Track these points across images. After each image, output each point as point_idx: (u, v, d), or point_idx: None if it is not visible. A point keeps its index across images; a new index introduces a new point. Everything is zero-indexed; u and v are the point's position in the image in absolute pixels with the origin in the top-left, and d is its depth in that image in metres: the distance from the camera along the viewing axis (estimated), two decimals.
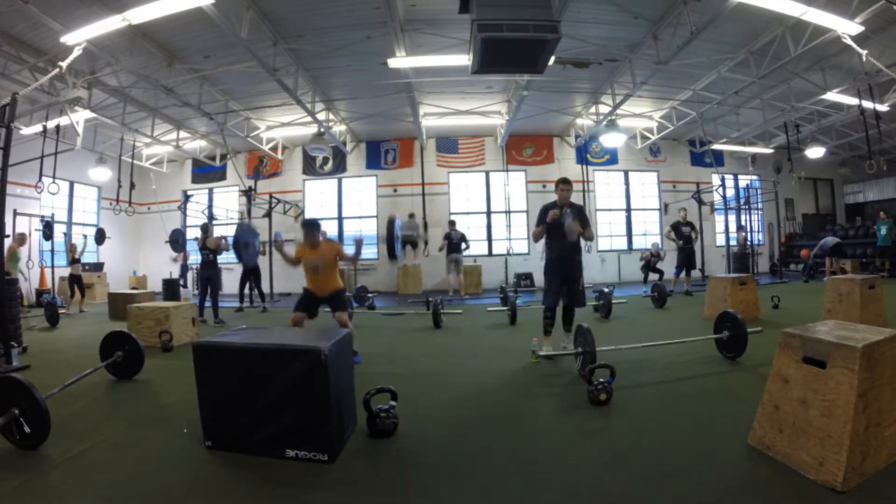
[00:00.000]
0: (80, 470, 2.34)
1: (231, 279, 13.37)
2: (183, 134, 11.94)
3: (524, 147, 13.83)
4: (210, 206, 12.68)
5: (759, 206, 14.41)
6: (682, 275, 9.52)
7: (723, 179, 13.40)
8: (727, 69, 8.81)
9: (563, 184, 4.39)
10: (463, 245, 10.65)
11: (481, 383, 3.80)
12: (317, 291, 4.53)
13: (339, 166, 14.00)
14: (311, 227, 4.49)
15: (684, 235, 9.36)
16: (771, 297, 7.35)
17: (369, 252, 13.82)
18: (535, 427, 2.83)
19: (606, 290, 7.12)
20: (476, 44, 5.24)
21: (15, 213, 9.84)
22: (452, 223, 11.24)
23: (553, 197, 4.49)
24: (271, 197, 11.16)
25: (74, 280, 9.74)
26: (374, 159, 13.95)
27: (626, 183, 14.56)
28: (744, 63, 8.53)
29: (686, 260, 9.42)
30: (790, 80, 9.47)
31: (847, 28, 6.73)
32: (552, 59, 6.21)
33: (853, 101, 9.44)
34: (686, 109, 11.30)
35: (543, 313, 4.46)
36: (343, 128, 12.58)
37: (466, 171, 14.03)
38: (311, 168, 14.02)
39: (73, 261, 9.86)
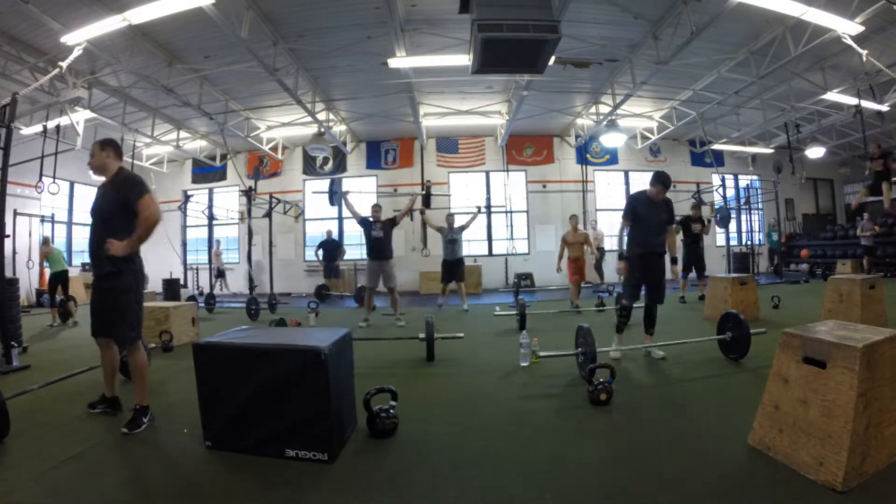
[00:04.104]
0: (80, 470, 2.34)
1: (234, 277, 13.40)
2: (183, 134, 11.95)
3: (524, 147, 13.83)
4: (210, 206, 12.69)
5: (760, 206, 14.41)
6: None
7: (723, 179, 13.40)
8: (727, 69, 8.81)
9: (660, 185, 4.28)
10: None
11: (481, 383, 3.80)
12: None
13: (340, 166, 14.00)
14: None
15: (692, 233, 8.57)
16: (771, 297, 7.35)
17: None
18: (535, 427, 2.83)
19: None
20: (476, 44, 5.24)
21: (15, 213, 9.85)
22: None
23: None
24: (271, 197, 11.15)
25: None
26: (375, 159, 13.96)
27: (627, 183, 14.56)
28: (744, 63, 8.53)
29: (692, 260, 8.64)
30: (790, 80, 9.46)
31: (847, 28, 6.73)
32: (552, 59, 6.21)
33: (853, 101, 9.44)
34: (686, 109, 11.30)
35: (620, 311, 4.41)
36: (343, 128, 12.58)
37: (466, 171, 14.03)
38: (311, 168, 14.02)
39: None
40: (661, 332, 4.54)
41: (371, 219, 6.97)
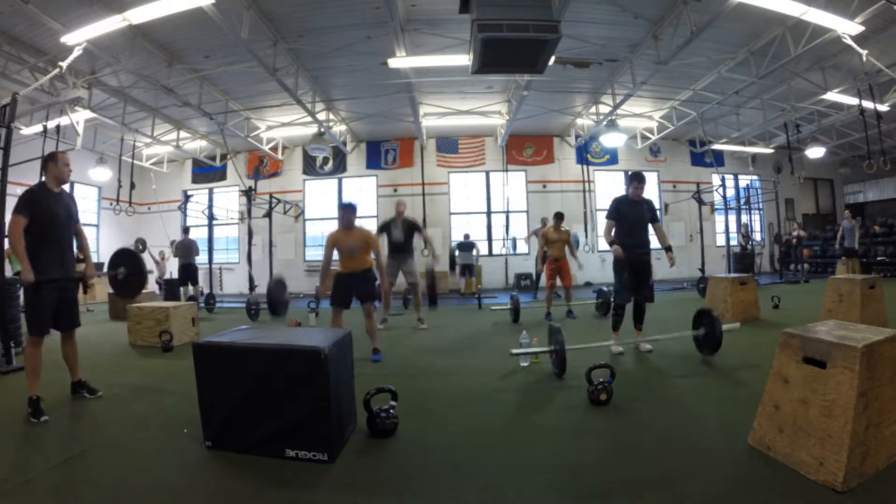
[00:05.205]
0: (80, 470, 2.34)
1: (233, 277, 13.41)
2: (183, 134, 11.95)
3: (524, 147, 13.83)
4: (210, 207, 12.68)
5: (760, 206, 14.41)
6: None
7: (723, 179, 13.38)
8: (727, 69, 8.81)
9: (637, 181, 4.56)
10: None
11: (481, 383, 3.80)
12: (346, 268, 4.62)
13: (340, 166, 14.01)
14: (350, 208, 4.62)
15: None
16: (771, 297, 7.35)
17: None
18: (535, 427, 2.83)
19: None
20: (476, 44, 5.23)
21: None
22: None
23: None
24: (271, 197, 11.15)
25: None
26: (375, 159, 13.96)
27: (627, 183, 14.55)
28: (744, 63, 8.54)
29: None
30: (790, 80, 9.47)
31: (847, 28, 6.73)
32: (552, 59, 6.20)
33: (853, 101, 9.44)
34: (686, 109, 11.30)
35: (614, 310, 4.56)
36: (343, 128, 12.59)
37: (466, 171, 14.03)
38: (311, 168, 14.03)
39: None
40: (658, 329, 4.56)
41: (392, 219, 6.69)
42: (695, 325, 4.32)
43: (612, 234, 4.58)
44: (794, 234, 12.88)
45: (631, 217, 4.52)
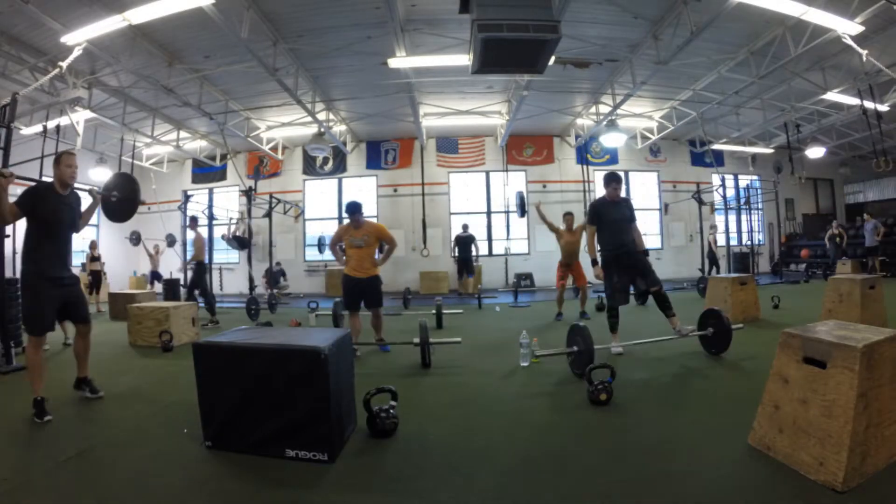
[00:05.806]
0: (80, 470, 2.34)
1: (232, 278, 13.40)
2: (183, 134, 11.95)
3: (524, 147, 13.83)
4: (210, 206, 12.67)
5: (760, 206, 14.41)
6: None
7: (723, 179, 13.39)
8: (727, 69, 8.81)
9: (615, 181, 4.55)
10: None
11: (481, 384, 3.80)
12: (355, 273, 4.78)
13: (340, 166, 14.01)
14: (355, 209, 4.79)
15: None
16: (771, 297, 7.35)
17: None
18: (534, 427, 2.83)
19: None
20: (476, 44, 5.23)
21: None
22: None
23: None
24: (271, 197, 11.16)
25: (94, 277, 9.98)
26: (375, 159, 13.96)
27: (627, 183, 14.55)
28: (744, 63, 8.53)
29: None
30: (790, 80, 9.46)
31: (847, 28, 6.72)
32: (552, 59, 6.20)
33: (853, 101, 9.44)
34: (686, 109, 11.30)
35: (609, 312, 4.56)
36: (343, 128, 12.58)
37: (466, 171, 14.03)
38: (311, 168, 14.03)
39: (93, 258, 10.01)
40: (655, 330, 4.55)
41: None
42: (701, 325, 4.37)
43: (595, 242, 4.61)
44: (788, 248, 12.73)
45: (612, 217, 4.52)
